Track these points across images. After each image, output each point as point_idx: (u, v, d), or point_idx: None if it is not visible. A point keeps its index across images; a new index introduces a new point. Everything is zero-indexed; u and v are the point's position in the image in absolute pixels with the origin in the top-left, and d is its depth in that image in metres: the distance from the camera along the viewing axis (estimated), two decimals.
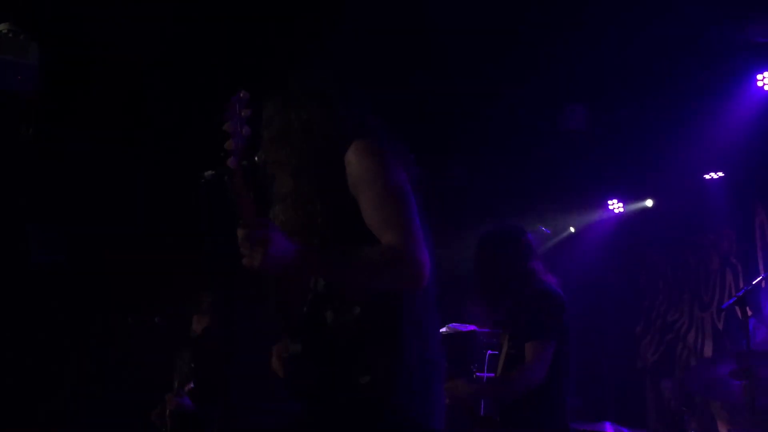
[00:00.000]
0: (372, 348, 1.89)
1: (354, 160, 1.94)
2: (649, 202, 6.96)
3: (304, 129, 2.01)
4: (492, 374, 5.56)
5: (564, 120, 5.96)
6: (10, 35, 3.80)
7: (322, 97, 2.05)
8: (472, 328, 5.75)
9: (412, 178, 2.00)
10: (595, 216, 7.36)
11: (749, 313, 6.00)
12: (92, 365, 5.64)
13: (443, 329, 5.92)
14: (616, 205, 7.19)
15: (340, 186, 1.95)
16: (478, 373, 5.40)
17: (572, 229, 7.64)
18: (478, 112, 5.88)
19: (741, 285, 5.90)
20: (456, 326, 5.95)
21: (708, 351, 6.30)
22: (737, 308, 4.03)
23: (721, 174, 6.26)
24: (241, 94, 1.79)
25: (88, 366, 5.62)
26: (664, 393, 6.38)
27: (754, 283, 3.99)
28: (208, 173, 2.29)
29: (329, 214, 1.97)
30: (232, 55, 4.77)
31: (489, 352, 5.50)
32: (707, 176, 6.30)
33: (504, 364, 3.72)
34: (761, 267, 5.82)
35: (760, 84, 5.27)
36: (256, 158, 2.01)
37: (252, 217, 1.72)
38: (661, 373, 6.60)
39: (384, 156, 1.95)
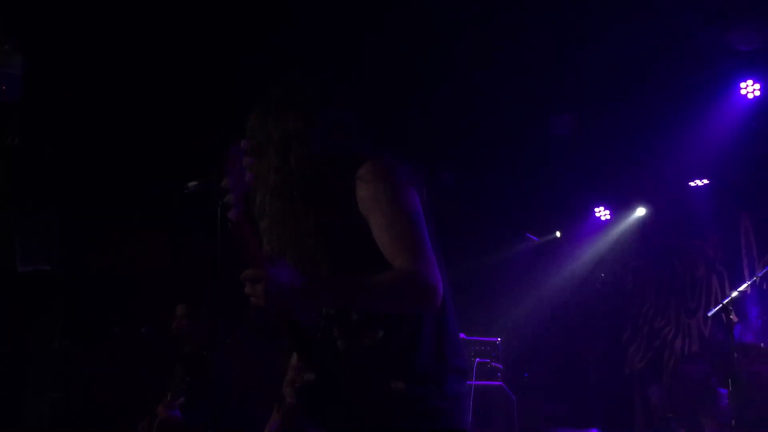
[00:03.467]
0: (403, 361, 1.88)
1: (365, 182, 1.90)
2: (640, 211, 6.99)
3: (281, 145, 1.97)
4: (483, 383, 5.59)
5: (552, 127, 6.00)
6: None
7: (302, 111, 2.00)
8: (460, 335, 5.77)
9: (423, 199, 1.98)
10: (583, 223, 7.40)
11: (735, 319, 6.05)
12: (76, 375, 5.60)
13: None
14: (602, 213, 7.22)
15: (335, 207, 1.92)
16: (467, 382, 5.42)
17: (558, 234, 7.67)
18: (466, 117, 5.90)
19: (727, 291, 5.93)
20: None
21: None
22: (723, 314, 4.06)
23: (706, 181, 6.30)
24: (242, 144, 1.79)
25: (72, 376, 5.58)
26: (651, 399, 6.40)
27: (739, 290, 4.02)
28: (192, 184, 2.28)
29: (324, 235, 1.94)
30: (219, 66, 4.77)
31: (477, 360, 5.52)
32: (692, 183, 6.35)
33: None
34: (746, 273, 5.86)
35: (743, 92, 5.33)
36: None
37: (255, 256, 1.73)
38: (648, 379, 6.62)
39: (396, 178, 1.91)
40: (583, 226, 7.41)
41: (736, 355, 4.18)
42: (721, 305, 3.84)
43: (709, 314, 3.80)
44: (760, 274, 4.27)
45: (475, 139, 6.24)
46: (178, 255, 5.81)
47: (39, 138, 5.15)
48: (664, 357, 6.64)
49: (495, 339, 5.73)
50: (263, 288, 1.68)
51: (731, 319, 5.21)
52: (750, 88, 5.32)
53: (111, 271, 5.76)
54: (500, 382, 5.57)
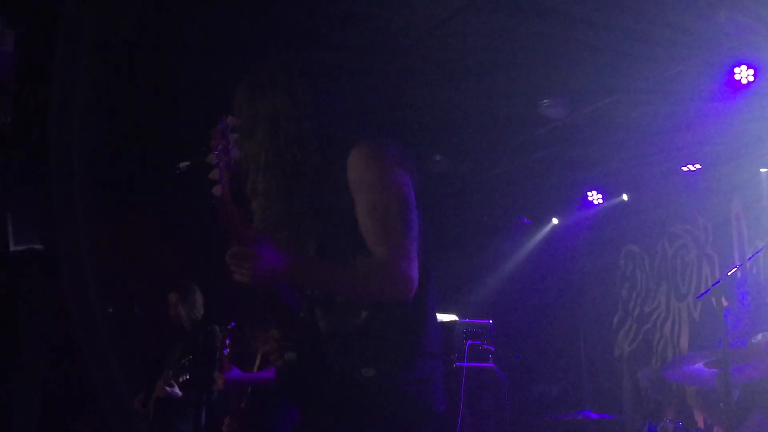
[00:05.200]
0: (378, 345, 1.90)
1: (355, 163, 1.91)
2: (624, 197, 7.03)
3: (270, 123, 1.97)
4: (474, 364, 5.63)
5: (545, 110, 6.00)
6: None
7: (289, 88, 1.99)
8: (452, 317, 5.80)
9: (414, 181, 1.98)
10: (575, 206, 7.42)
11: (725, 303, 6.10)
12: (71, 354, 5.60)
13: None
14: (595, 197, 7.25)
15: (325, 187, 1.93)
16: (458, 363, 5.46)
17: (555, 221, 7.70)
18: (460, 100, 5.89)
19: (717, 275, 5.97)
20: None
21: (684, 341, 6.38)
22: (713, 298, 4.09)
23: (698, 166, 6.32)
24: (228, 120, 1.78)
25: (67, 354, 5.58)
26: (641, 382, 6.45)
27: (729, 273, 4.04)
28: (183, 164, 2.28)
29: (315, 216, 1.94)
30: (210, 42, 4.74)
31: (469, 342, 5.56)
32: (684, 168, 6.37)
33: None
34: (737, 258, 5.89)
35: (737, 77, 5.32)
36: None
37: (240, 233, 1.74)
38: (638, 362, 6.67)
39: (387, 160, 1.92)
40: (575, 210, 7.43)
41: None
42: (711, 288, 3.86)
43: (699, 297, 3.81)
44: (750, 258, 4.29)
45: (468, 123, 6.23)
46: (173, 235, 5.81)
47: (29, 118, 5.12)
48: (654, 340, 6.69)
49: (487, 321, 5.77)
50: (249, 266, 1.70)
51: (721, 302, 5.26)
52: (744, 73, 5.31)
53: (104, 252, 5.75)
54: (491, 364, 5.62)
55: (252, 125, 1.98)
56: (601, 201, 7.23)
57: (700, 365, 4.49)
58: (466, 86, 5.72)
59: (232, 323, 3.90)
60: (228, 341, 3.82)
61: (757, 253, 5.22)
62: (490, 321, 5.76)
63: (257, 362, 3.96)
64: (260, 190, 1.97)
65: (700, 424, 5.64)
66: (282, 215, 1.95)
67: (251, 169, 1.98)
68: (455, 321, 5.68)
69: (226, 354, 3.81)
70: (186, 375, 4.08)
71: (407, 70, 5.35)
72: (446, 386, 4.76)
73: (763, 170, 5.97)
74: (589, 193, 7.24)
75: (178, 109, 5.00)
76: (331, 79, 2.12)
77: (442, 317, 5.90)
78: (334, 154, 1.94)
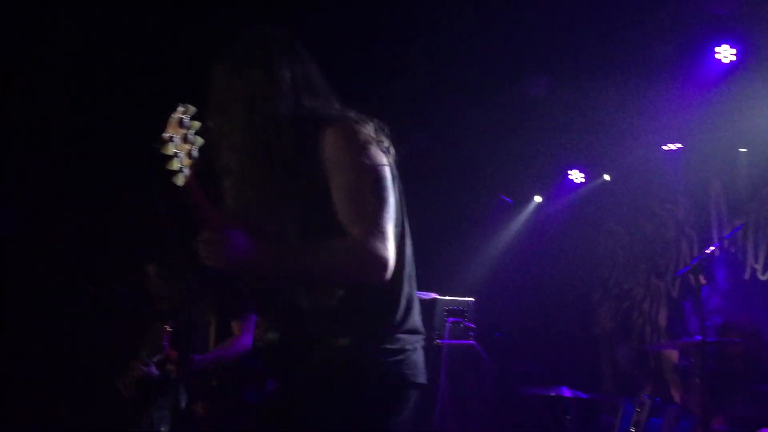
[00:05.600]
0: (354, 319, 1.92)
1: (330, 143, 1.89)
2: (606, 177, 7.06)
3: (245, 101, 1.93)
4: (455, 341, 5.66)
5: (527, 88, 6.00)
6: None
7: (267, 67, 1.96)
8: (433, 295, 5.82)
9: (391, 161, 1.97)
10: (557, 185, 7.45)
11: (703, 281, 6.17)
12: (49, 333, 5.57)
13: None
14: (576, 176, 7.27)
15: (300, 168, 1.90)
16: (438, 341, 5.48)
17: (538, 199, 7.72)
18: (442, 77, 5.87)
19: (695, 254, 6.03)
20: (418, 293, 6.01)
21: (662, 318, 6.45)
22: (691, 276, 4.13)
23: (679, 145, 6.36)
24: (183, 108, 1.76)
25: (44, 332, 5.55)
26: (619, 359, 6.54)
27: (707, 251, 4.08)
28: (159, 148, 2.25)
29: (289, 197, 1.93)
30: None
31: (450, 319, 5.58)
32: (665, 147, 6.40)
33: None
34: (715, 236, 5.94)
35: (718, 56, 5.34)
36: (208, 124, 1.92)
37: (210, 219, 1.73)
38: (616, 339, 6.74)
39: (363, 140, 1.91)
40: (557, 188, 7.46)
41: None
42: (689, 266, 3.90)
43: (678, 274, 3.85)
44: (728, 236, 4.34)
45: (449, 101, 6.21)
46: (152, 212, 5.74)
47: None
48: (632, 318, 6.76)
49: (468, 299, 5.79)
50: (220, 252, 1.70)
51: (699, 280, 5.32)
52: (726, 53, 5.33)
53: (82, 228, 5.70)
54: (472, 342, 5.65)
55: (227, 103, 1.95)
56: (583, 180, 7.26)
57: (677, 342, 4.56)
58: (447, 64, 5.70)
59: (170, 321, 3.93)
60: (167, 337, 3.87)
61: (734, 231, 5.28)
62: (472, 299, 5.79)
63: (212, 341, 3.99)
64: (233, 170, 1.95)
65: (677, 400, 5.73)
66: (257, 197, 1.93)
67: (224, 148, 1.96)
68: (436, 299, 5.70)
69: (167, 346, 3.86)
70: (162, 353, 4.07)
71: (386, 48, 5.33)
72: (427, 362, 4.79)
73: (742, 150, 6.02)
74: (570, 172, 7.27)
75: (158, 82, 4.92)
76: (309, 57, 2.10)
77: (423, 295, 5.92)
78: (309, 134, 1.92)
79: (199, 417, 3.82)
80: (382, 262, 1.82)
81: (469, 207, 7.39)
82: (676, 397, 5.82)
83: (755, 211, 5.82)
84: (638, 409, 4.36)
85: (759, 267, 5.72)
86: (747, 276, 5.77)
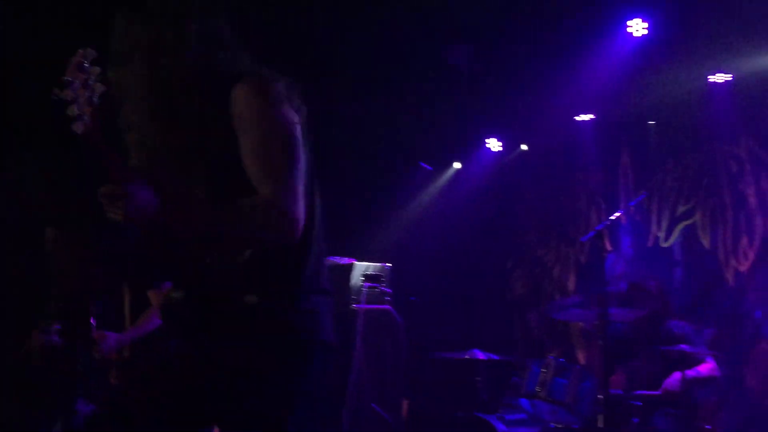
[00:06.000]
0: (262, 278, 1.89)
1: (239, 99, 1.84)
2: (524, 147, 7.21)
3: (149, 53, 1.86)
4: (371, 306, 5.71)
5: (448, 56, 6.02)
6: None
7: (176, 16, 1.89)
8: (350, 260, 5.84)
9: (302, 119, 1.93)
10: (476, 153, 7.55)
11: (609, 248, 6.41)
12: None
13: None
14: (494, 144, 7.39)
15: (207, 124, 1.86)
16: (355, 305, 5.52)
17: (457, 165, 7.82)
18: (363, 43, 5.83)
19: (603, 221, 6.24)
20: (334, 258, 6.02)
21: (571, 284, 6.68)
22: (596, 242, 4.27)
23: (591, 116, 6.54)
24: (83, 52, 1.68)
25: None
26: (530, 323, 6.75)
27: (612, 218, 4.22)
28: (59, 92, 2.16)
29: (194, 153, 1.88)
30: None
31: (366, 284, 5.62)
32: (578, 118, 6.57)
33: None
34: (623, 206, 6.16)
35: (629, 30, 5.48)
36: (108, 75, 1.85)
37: (112, 171, 1.67)
38: (528, 304, 6.95)
39: (272, 97, 1.87)
40: (475, 156, 7.57)
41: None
42: (594, 232, 4.03)
43: (583, 240, 3.99)
44: (631, 204, 4.51)
45: (371, 67, 6.19)
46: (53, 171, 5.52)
47: None
48: (543, 284, 6.97)
49: (385, 264, 5.84)
50: (121, 206, 1.65)
51: (605, 246, 5.52)
52: (637, 27, 5.47)
53: None
54: (388, 306, 5.71)
55: (129, 53, 1.88)
56: (500, 149, 7.39)
57: (582, 306, 4.73)
58: (368, 30, 5.66)
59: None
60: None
61: (638, 199, 5.48)
62: (389, 264, 5.83)
63: (127, 319, 3.91)
64: (134, 125, 1.89)
65: (582, 361, 5.97)
66: (161, 153, 1.88)
67: (125, 100, 1.89)
68: (353, 264, 5.72)
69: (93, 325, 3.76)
70: (62, 321, 3.95)
71: (307, 10, 5.24)
72: (341, 325, 4.82)
73: (651, 123, 6.23)
74: (487, 140, 7.38)
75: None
76: (221, 11, 2.04)
77: (340, 260, 5.94)
78: (218, 90, 1.87)
79: (113, 386, 3.75)
80: (292, 221, 1.80)
81: (388, 173, 7.42)
82: (581, 358, 6.07)
83: (660, 181, 6.07)
84: (544, 370, 4.51)
85: (662, 235, 5.98)
86: (650, 243, 6.03)
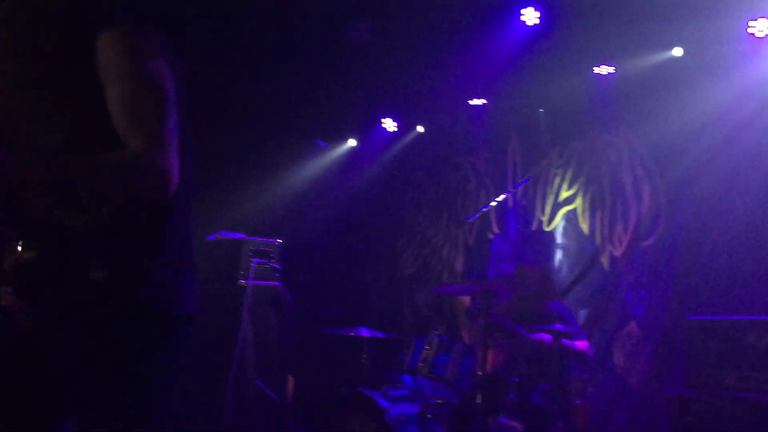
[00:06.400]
0: (115, 246, 1.80)
1: (106, 48, 1.74)
2: (420, 128, 7.29)
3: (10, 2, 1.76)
4: (260, 282, 5.65)
5: (347, 34, 5.99)
6: None
7: None
8: (240, 236, 5.75)
9: (176, 74, 1.86)
10: (371, 132, 7.58)
11: (496, 230, 6.60)
12: None
13: (211, 236, 5.87)
14: (389, 124, 7.44)
15: (70, 74, 1.76)
16: (243, 281, 5.45)
17: (352, 143, 7.82)
18: (262, 18, 5.71)
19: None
20: (224, 233, 5.91)
21: (459, 265, 6.84)
22: (481, 222, 4.38)
23: (484, 101, 6.69)
24: None
25: None
26: (418, 301, 6.87)
27: (496, 200, 4.34)
28: None
29: (58, 105, 1.78)
30: None
31: (255, 260, 5.55)
32: (471, 102, 6.71)
33: None
34: (508, 189, 6.33)
35: (522, 18, 5.62)
36: None
37: None
38: (417, 283, 7.07)
39: (143, 47, 1.77)
40: (370, 136, 7.60)
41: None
42: (479, 213, 4.13)
43: (468, 220, 4.08)
44: (516, 187, 4.65)
45: (268, 40, 6.08)
46: None
47: None
48: (432, 264, 7.11)
49: (275, 240, 5.79)
50: None
51: (491, 228, 5.67)
52: (530, 16, 5.62)
53: None
54: (278, 282, 5.67)
55: None
56: (395, 129, 7.44)
57: (467, 286, 4.86)
58: (268, 4, 5.55)
59: None
60: None
61: (522, 183, 5.67)
62: (279, 240, 5.79)
63: None
64: None
65: (466, 340, 6.15)
66: (18, 102, 1.77)
67: None
68: (243, 239, 5.64)
69: None
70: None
71: None
72: (229, 301, 4.72)
73: (541, 110, 6.43)
74: (383, 120, 7.42)
75: None
76: None
77: (230, 235, 5.84)
78: (83, 36, 1.77)
79: None
80: (164, 176, 1.72)
81: (282, 148, 7.34)
82: (466, 336, 6.25)
83: (546, 167, 6.29)
84: (427, 347, 4.61)
85: (545, 219, 6.21)
86: (534, 227, 6.25)
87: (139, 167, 1.71)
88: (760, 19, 4.98)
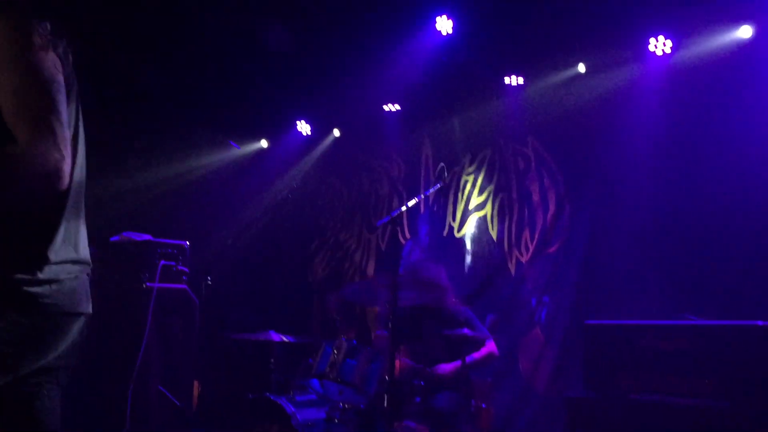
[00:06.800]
0: (4, 241, 1.73)
1: None
2: (336, 132, 7.28)
3: None
4: (166, 285, 5.51)
5: (262, 36, 5.93)
6: None
7: None
8: (147, 237, 5.59)
9: (66, 67, 1.80)
10: (285, 136, 7.52)
11: (408, 235, 6.65)
12: None
13: (116, 237, 5.68)
14: (304, 127, 7.40)
15: None
16: (148, 283, 5.29)
17: (264, 144, 7.74)
18: (178, 17, 5.60)
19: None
20: (130, 234, 5.73)
21: (371, 269, 6.86)
22: (391, 227, 4.41)
23: (398, 107, 6.74)
24: None
25: None
26: (328, 305, 6.84)
27: (406, 205, 4.37)
28: None
29: None
30: None
31: (162, 262, 5.41)
32: (386, 107, 6.75)
33: None
34: (419, 194, 6.41)
35: (438, 28, 5.71)
36: None
37: None
38: (328, 287, 7.05)
39: (33, 37, 1.71)
40: (285, 139, 7.54)
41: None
42: (389, 217, 4.15)
43: (378, 224, 4.09)
44: (426, 193, 4.69)
45: (183, 41, 5.96)
46: None
47: None
48: (344, 267, 7.11)
49: (183, 242, 5.65)
50: None
51: (403, 233, 5.70)
52: (444, 25, 5.70)
53: None
54: (184, 285, 5.53)
55: None
56: (309, 133, 7.41)
57: (379, 289, 4.86)
58: (185, 4, 5.44)
59: None
60: None
61: (433, 189, 5.73)
62: (186, 242, 5.65)
63: None
64: None
65: (375, 344, 6.15)
66: None
67: None
68: (150, 241, 5.48)
69: None
70: None
71: None
72: (136, 304, 4.55)
73: (454, 119, 6.54)
74: (298, 123, 7.38)
75: None
76: None
77: (136, 237, 5.67)
78: None
79: None
80: (54, 168, 1.66)
81: (193, 149, 7.20)
82: (375, 341, 6.26)
83: (458, 173, 6.39)
84: (335, 351, 4.58)
85: (456, 225, 6.31)
86: (445, 233, 6.34)
87: (27, 159, 1.64)
88: (659, 37, 5.22)
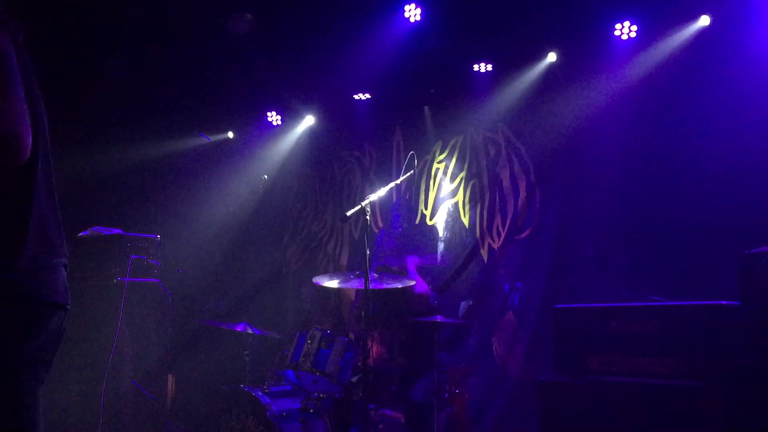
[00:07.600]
0: None
1: None
2: (309, 119, 7.23)
3: None
4: (138, 279, 5.46)
5: (230, 24, 5.88)
6: None
7: None
8: (117, 231, 5.54)
9: (19, 51, 1.80)
10: (254, 124, 7.46)
11: (380, 224, 6.66)
12: None
13: (85, 232, 5.62)
14: (274, 118, 7.36)
15: None
16: (119, 278, 5.25)
17: (230, 134, 7.68)
18: (145, 8, 5.52)
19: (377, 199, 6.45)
20: (100, 229, 5.67)
21: (344, 259, 6.86)
22: (362, 217, 4.40)
23: (368, 95, 6.72)
24: None
25: None
26: (302, 295, 6.84)
27: (377, 194, 4.37)
28: None
29: None
30: None
31: (133, 256, 5.36)
32: (356, 96, 6.73)
33: None
34: (390, 182, 6.39)
35: (406, 15, 5.70)
36: None
37: None
38: (302, 278, 7.03)
39: None
40: (254, 129, 7.49)
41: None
42: (359, 207, 4.16)
43: (348, 214, 4.09)
44: (398, 180, 4.70)
45: (148, 28, 5.88)
46: None
47: None
48: (318, 258, 7.10)
49: (154, 236, 5.61)
50: None
51: (375, 222, 5.69)
52: (412, 12, 5.69)
53: None
54: (156, 279, 5.50)
55: None
56: (279, 123, 7.37)
57: (351, 280, 4.88)
58: None
59: None
60: None
61: (403, 177, 5.74)
62: (158, 236, 5.61)
63: None
64: None
65: (350, 334, 6.17)
66: None
67: None
68: (121, 235, 5.43)
69: None
70: None
71: None
72: (108, 298, 4.49)
73: (425, 106, 6.54)
74: (268, 114, 7.33)
75: None
76: None
77: (106, 231, 5.62)
78: None
79: None
80: (15, 134, 1.67)
81: (162, 140, 7.13)
82: (350, 330, 6.27)
83: (429, 161, 6.41)
84: (309, 341, 4.59)
85: (428, 213, 6.33)
86: (417, 221, 6.36)
87: None
88: (625, 23, 5.26)
